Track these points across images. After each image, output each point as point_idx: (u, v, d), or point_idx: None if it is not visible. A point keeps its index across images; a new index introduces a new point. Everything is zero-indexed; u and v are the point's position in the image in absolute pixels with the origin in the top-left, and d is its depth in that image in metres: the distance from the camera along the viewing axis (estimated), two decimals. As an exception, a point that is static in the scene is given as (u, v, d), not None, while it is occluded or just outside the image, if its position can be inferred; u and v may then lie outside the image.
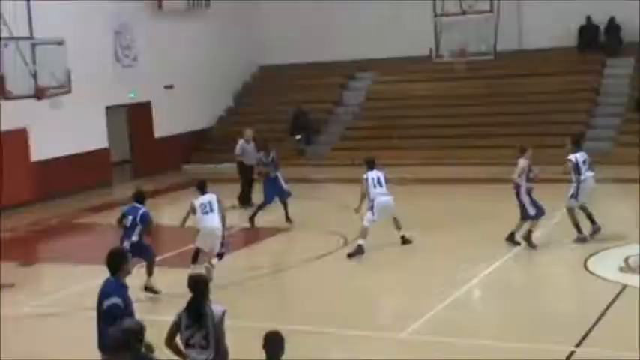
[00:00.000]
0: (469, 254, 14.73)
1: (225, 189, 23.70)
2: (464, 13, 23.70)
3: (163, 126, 26.61)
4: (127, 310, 7.88)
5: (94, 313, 8.23)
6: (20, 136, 21.86)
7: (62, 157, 22.89)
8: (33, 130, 22.00)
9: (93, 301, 12.90)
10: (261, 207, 17.89)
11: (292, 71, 29.74)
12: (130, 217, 13.06)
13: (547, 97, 25.56)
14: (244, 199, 20.11)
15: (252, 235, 17.31)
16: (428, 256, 14.96)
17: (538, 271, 13.80)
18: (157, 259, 14.94)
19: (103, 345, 7.85)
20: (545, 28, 26.89)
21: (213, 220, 13.52)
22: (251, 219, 17.77)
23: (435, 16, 23.92)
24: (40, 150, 22.33)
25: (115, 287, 7.97)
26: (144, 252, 13.03)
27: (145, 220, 12.96)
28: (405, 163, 24.48)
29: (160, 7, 26.25)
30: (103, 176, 24.49)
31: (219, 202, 13.72)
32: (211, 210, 13.54)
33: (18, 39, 17.29)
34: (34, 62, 17.26)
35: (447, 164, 24.03)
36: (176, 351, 7.66)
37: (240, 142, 20.24)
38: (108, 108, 24.83)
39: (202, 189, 13.96)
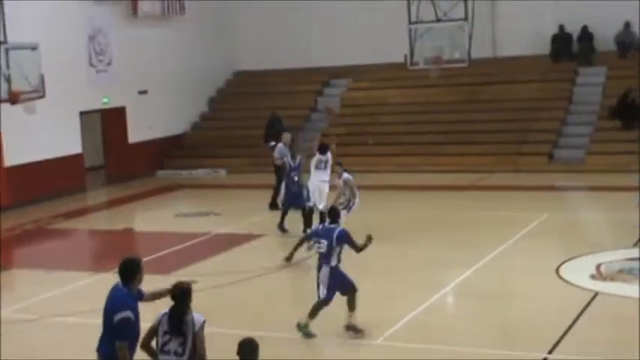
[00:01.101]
0: (443, 261, 14.82)
1: (200, 194, 23.86)
2: (438, 20, 23.84)
3: (137, 131, 26.52)
4: (137, 323, 7.79)
5: (69, 319, 8.21)
6: (-7, 141, 21.71)
7: (36, 162, 22.74)
8: (6, 134, 21.83)
9: (68, 307, 12.92)
10: (283, 213, 17.49)
11: (267, 77, 29.77)
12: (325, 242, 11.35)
13: (521, 105, 25.76)
14: (274, 203, 19.84)
15: (230, 240, 17.29)
16: (402, 262, 15.03)
17: (511, 278, 13.91)
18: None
19: (105, 354, 7.80)
20: (519, 36, 27.13)
21: None
22: (280, 226, 17.34)
23: (410, 23, 24.03)
24: (14, 155, 22.17)
25: (127, 299, 7.78)
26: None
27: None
28: (380, 169, 24.60)
29: (134, 12, 26.16)
30: (77, 181, 24.36)
31: None
32: None
33: (-9, 43, 17.21)
34: (8, 67, 17.18)
35: (421, 171, 24.15)
36: (150, 353, 7.66)
37: (280, 145, 20.14)
38: (82, 113, 24.71)
39: None
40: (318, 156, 17.10)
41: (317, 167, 17.05)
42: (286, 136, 20.27)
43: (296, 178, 17.50)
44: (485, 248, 15.19)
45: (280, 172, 19.59)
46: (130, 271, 7.82)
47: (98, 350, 7.90)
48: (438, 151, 25.07)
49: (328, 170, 17.04)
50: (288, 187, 17.60)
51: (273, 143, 26.61)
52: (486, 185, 22.33)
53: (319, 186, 16.96)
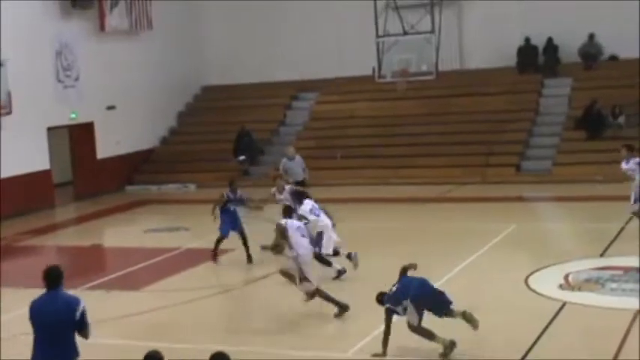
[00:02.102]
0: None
1: (169, 210, 23.78)
2: (405, 33, 24.07)
3: (106, 147, 26.41)
4: None
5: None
6: (-41, 158, 21.54)
7: (3, 179, 22.56)
8: (-27, 151, 21.69)
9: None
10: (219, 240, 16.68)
11: (235, 92, 29.80)
12: None
13: (488, 117, 25.98)
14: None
15: (198, 255, 17.25)
16: (371, 274, 15.05)
17: (480, 289, 13.99)
18: (100, 281, 14.88)
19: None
20: (485, 48, 27.41)
21: None
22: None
23: (378, 36, 24.23)
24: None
25: (71, 296, 8.00)
26: None
27: None
28: (349, 182, 24.69)
29: (102, 27, 26.09)
30: (45, 198, 24.20)
31: None
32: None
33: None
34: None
35: (389, 183, 24.28)
36: None
37: (283, 160, 20.26)
38: (49, 129, 24.57)
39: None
40: (305, 207, 14.63)
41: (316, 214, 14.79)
42: (290, 150, 20.45)
43: (233, 208, 16.36)
44: (453, 260, 15.27)
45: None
46: (60, 276, 7.97)
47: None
48: (407, 163, 25.20)
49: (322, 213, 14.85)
50: (223, 217, 16.32)
51: (242, 157, 26.76)
52: (454, 197, 22.48)
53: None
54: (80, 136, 25.99)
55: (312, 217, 14.25)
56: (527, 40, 26.85)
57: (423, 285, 10.86)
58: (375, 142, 26.42)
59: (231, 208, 16.38)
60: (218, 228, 16.18)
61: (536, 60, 27.02)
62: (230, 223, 16.31)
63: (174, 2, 29.09)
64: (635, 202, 16.00)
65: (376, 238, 18.11)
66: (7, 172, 22.70)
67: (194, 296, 14.14)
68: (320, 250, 14.18)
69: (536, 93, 26.62)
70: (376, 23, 24.25)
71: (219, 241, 16.24)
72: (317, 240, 14.04)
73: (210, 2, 30.36)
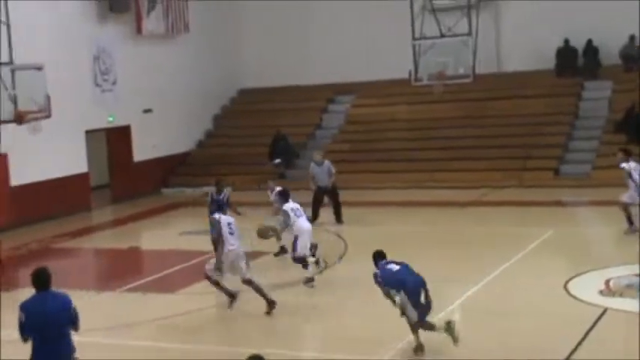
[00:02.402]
0: (448, 277, 14.72)
1: (204, 212, 23.71)
2: (442, 35, 23.87)
3: (142, 150, 26.54)
4: None
5: (73, 338, 8.19)
6: (0, 161, 21.73)
7: (42, 182, 22.77)
8: (12, 154, 21.87)
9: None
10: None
11: (272, 95, 29.81)
12: None
13: (526, 120, 25.71)
14: (314, 214, 19.87)
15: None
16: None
17: (518, 295, 13.80)
18: (136, 283, 14.92)
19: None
20: (523, 50, 27.13)
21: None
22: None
23: (414, 39, 24.07)
24: (20, 174, 22.20)
25: (62, 294, 8.41)
26: None
27: None
28: (385, 186, 24.56)
29: (139, 31, 26.24)
30: (83, 200, 24.37)
31: None
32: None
33: (-3, 64, 17.27)
34: (14, 87, 17.21)
35: (426, 187, 24.10)
36: None
37: (312, 164, 20.39)
38: (87, 132, 24.75)
39: None
40: (289, 206, 15.00)
41: (297, 216, 15.00)
42: (316, 155, 20.56)
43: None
44: (490, 264, 15.10)
45: (316, 191, 19.92)
46: (50, 277, 8.30)
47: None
48: (443, 167, 25.02)
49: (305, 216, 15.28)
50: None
51: (278, 160, 26.74)
52: (492, 201, 22.26)
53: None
54: (117, 139, 26.15)
55: (292, 216, 14.71)
56: (567, 42, 26.53)
57: (417, 277, 10.96)
58: (411, 146, 26.27)
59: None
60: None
61: (576, 62, 26.69)
62: None
63: (210, 6, 29.17)
64: None
65: (412, 241, 17.97)
66: (46, 174, 22.89)
67: (225, 300, 14.09)
68: (294, 253, 14.68)
69: (576, 96, 26.29)
70: (412, 26, 24.07)
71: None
72: (293, 244, 14.72)
73: (246, 5, 30.41)
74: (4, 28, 17.71)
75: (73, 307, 8.24)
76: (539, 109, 25.98)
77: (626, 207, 16.77)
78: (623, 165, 16.69)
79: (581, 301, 12.85)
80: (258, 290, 13.16)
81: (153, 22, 26.56)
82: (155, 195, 26.41)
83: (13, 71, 17.37)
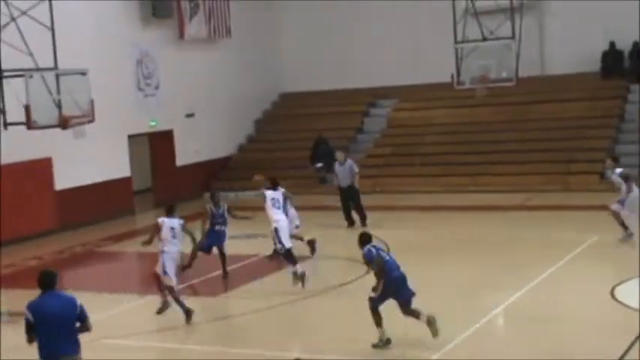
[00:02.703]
0: (491, 282, 14.61)
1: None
2: (485, 39, 23.68)
3: (185, 154, 26.68)
4: None
5: (117, 342, 8.23)
6: (45, 165, 21.99)
7: (85, 186, 22.98)
8: (57, 159, 22.12)
9: (116, 330, 12.95)
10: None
11: (313, 99, 29.81)
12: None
13: (570, 124, 25.41)
14: (348, 220, 20.28)
15: (276, 262, 17.23)
16: (449, 283, 14.82)
17: (563, 300, 13.62)
18: (182, 286, 14.96)
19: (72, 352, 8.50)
20: (568, 53, 26.80)
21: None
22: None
23: (456, 42, 23.92)
24: (64, 179, 22.43)
25: (67, 294, 8.74)
26: None
27: None
28: (427, 190, 24.42)
29: (181, 35, 26.40)
30: (126, 204, 24.54)
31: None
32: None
33: (42, 70, 17.42)
34: (58, 92, 17.37)
35: (468, 191, 23.93)
36: None
37: (336, 164, 20.77)
38: (130, 136, 24.94)
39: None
40: (269, 194, 15.84)
41: (274, 206, 15.65)
42: (339, 154, 20.74)
43: (218, 227, 16.26)
44: (534, 270, 14.92)
45: (340, 192, 20.33)
46: (55, 278, 8.59)
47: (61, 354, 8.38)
48: (486, 170, 24.81)
49: (282, 209, 15.82)
50: (209, 234, 16.31)
51: (319, 165, 26.71)
52: (535, 205, 22.02)
53: (283, 226, 15.52)
54: (160, 143, 26.32)
55: (267, 203, 15.51)
56: (612, 44, 26.16)
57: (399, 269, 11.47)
58: (453, 150, 26.09)
59: (217, 228, 16.25)
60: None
61: (622, 65, 26.30)
62: (214, 239, 16.24)
63: (252, 10, 29.26)
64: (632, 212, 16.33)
65: (454, 246, 17.86)
66: (89, 179, 23.11)
67: (272, 303, 14.11)
68: (281, 246, 15.17)
69: (621, 99, 25.91)
70: (454, 29, 23.91)
71: (194, 254, 15.62)
72: (275, 237, 15.25)
73: (288, 10, 30.46)
74: (48, 33, 17.88)
75: (79, 306, 8.53)
76: (583, 112, 25.67)
77: (616, 214, 16.80)
78: (614, 171, 16.90)
79: (629, 307, 12.64)
80: (177, 299, 13.51)
81: (195, 27, 26.71)
82: (197, 199, 26.47)
83: (57, 76, 17.50)
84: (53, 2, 18.06)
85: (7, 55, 17.33)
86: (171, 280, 13.63)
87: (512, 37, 23.18)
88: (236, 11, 28.08)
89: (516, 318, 12.84)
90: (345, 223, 20.28)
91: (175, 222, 14.10)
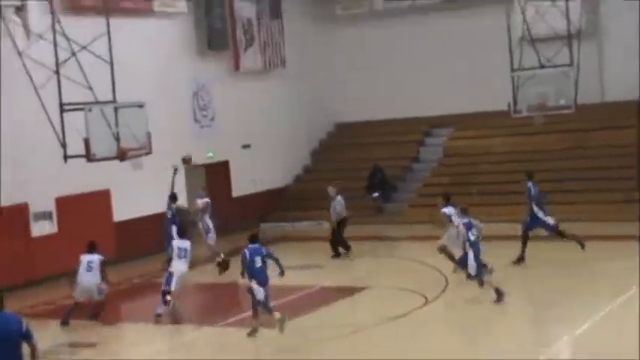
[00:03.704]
0: (555, 315, 14.30)
1: (303, 247, 23.78)
2: (542, 66, 23.44)
3: (241, 185, 26.77)
4: None
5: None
6: (103, 197, 22.22)
7: (143, 217, 23.13)
8: (115, 190, 22.34)
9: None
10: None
11: (369, 128, 29.75)
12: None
13: (630, 151, 24.93)
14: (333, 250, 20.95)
15: (333, 293, 17.14)
16: (511, 315, 14.55)
17: (631, 332, 13.25)
18: (236, 318, 14.91)
19: None
20: (627, 79, 26.30)
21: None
22: None
23: (513, 70, 23.72)
24: (122, 210, 22.62)
25: (13, 313, 9.09)
26: None
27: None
28: (485, 219, 24.01)
29: (236, 67, 26.60)
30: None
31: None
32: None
33: (101, 103, 17.66)
34: (117, 125, 17.57)
35: (528, 220, 23.52)
36: None
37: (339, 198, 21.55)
38: (187, 168, 25.06)
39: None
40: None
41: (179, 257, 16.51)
42: (330, 189, 21.60)
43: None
44: (600, 301, 14.57)
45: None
46: (3, 299, 8.91)
47: None
48: (547, 199, 24.38)
49: None
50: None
51: (375, 194, 26.60)
52: (597, 235, 21.54)
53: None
54: (216, 174, 26.44)
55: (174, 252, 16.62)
56: (673, 69, 25.68)
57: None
58: (511, 178, 25.69)
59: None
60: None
61: (683, 90, 25.78)
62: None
63: (306, 41, 29.40)
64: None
65: (516, 275, 17.56)
66: (147, 210, 23.24)
67: (329, 335, 13.98)
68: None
69: (683, 125, 25.38)
70: (511, 57, 23.73)
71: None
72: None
73: (342, 39, 30.54)
74: (107, 67, 18.15)
75: (26, 324, 8.89)
76: (644, 139, 25.17)
77: (444, 249, 17.03)
78: (444, 210, 17.18)
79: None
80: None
81: (250, 58, 26.90)
82: (253, 230, 26.51)
83: (116, 109, 17.73)
84: (112, 37, 18.33)
85: (67, 89, 17.63)
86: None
87: (571, 64, 22.92)
88: (290, 42, 28.23)
89: (584, 350, 12.50)
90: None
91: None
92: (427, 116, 29.12)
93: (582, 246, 18.68)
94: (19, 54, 18.39)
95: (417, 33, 29.24)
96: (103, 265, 16.38)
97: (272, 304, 16.37)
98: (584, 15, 25.01)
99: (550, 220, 18.88)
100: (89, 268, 16.24)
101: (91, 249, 16.65)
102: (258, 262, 14.02)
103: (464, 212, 16.36)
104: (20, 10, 19.48)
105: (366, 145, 29.00)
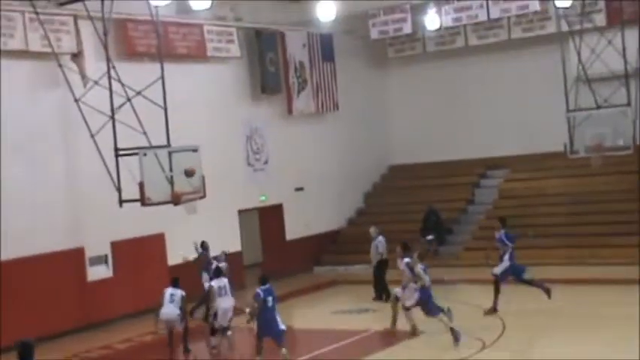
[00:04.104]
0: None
1: (357, 290, 23.57)
2: (599, 107, 23.12)
3: (294, 228, 26.71)
4: None
5: None
6: (158, 241, 22.32)
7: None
8: (169, 234, 22.43)
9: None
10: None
11: (422, 170, 29.57)
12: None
13: (692, 192, 24.33)
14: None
15: (387, 337, 16.88)
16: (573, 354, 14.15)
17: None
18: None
19: None
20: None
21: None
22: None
23: (568, 111, 23.43)
24: (176, 254, 22.67)
25: None
26: None
27: None
28: (543, 262, 23.66)
29: (289, 111, 26.69)
30: (237, 279, 24.49)
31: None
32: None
33: (156, 147, 17.79)
34: (171, 169, 17.67)
35: (587, 264, 23.07)
36: None
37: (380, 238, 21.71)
38: (240, 211, 25.14)
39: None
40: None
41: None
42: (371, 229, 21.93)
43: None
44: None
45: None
46: (32, 350, 8.47)
47: None
48: (605, 242, 23.92)
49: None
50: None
51: (430, 237, 26.30)
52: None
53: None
54: (270, 217, 26.44)
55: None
56: None
57: None
58: (568, 221, 25.32)
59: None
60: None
61: None
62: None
63: (359, 83, 29.44)
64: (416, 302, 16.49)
65: (574, 322, 17.13)
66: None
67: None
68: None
69: None
70: (566, 97, 23.47)
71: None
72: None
73: (395, 81, 30.54)
74: (161, 111, 18.31)
75: None
76: None
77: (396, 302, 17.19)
78: (406, 260, 17.04)
79: None
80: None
81: (303, 102, 26.99)
82: (307, 273, 26.42)
83: (170, 153, 17.83)
84: (166, 82, 18.53)
85: (122, 134, 17.81)
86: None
87: (628, 104, 22.56)
88: (343, 85, 28.27)
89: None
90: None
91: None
92: (482, 158, 28.86)
93: (548, 294, 18.31)
94: (76, 100, 18.66)
95: (471, 74, 29.11)
96: (184, 300, 17.43)
97: (326, 348, 16.26)
98: (642, 54, 24.60)
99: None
100: (171, 300, 17.29)
101: (175, 284, 17.70)
102: (270, 302, 15.09)
103: (421, 258, 16.95)
104: (76, 56, 19.80)
105: (420, 188, 28.79)
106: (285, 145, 26.49)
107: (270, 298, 15.09)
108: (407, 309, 16.65)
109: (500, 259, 18.62)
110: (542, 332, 16.25)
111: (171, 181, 17.65)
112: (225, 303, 17.31)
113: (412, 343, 16.50)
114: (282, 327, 15.06)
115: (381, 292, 21.01)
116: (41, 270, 19.50)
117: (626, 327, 16.14)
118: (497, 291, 18.32)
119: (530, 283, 18.66)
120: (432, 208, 26.72)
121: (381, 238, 21.49)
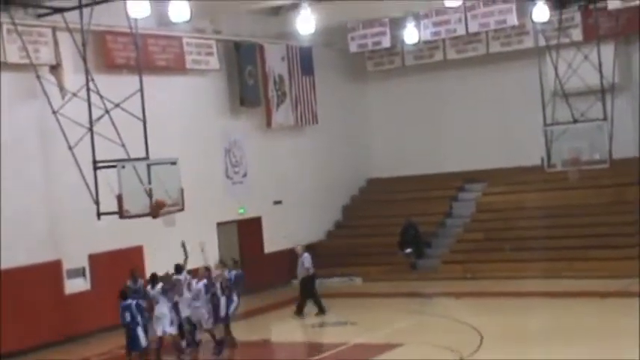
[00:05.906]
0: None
1: (335, 303, 23.57)
2: (575, 121, 23.32)
3: (273, 241, 26.68)
4: None
5: None
6: (136, 253, 22.20)
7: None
8: (147, 246, 22.33)
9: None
10: None
11: (401, 184, 29.64)
12: None
13: (668, 206, 24.58)
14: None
15: (366, 350, 16.88)
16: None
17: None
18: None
19: None
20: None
21: None
22: None
23: (545, 125, 23.60)
24: (155, 266, 22.54)
25: None
26: None
27: None
28: (519, 275, 23.82)
29: (268, 124, 26.68)
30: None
31: None
32: None
33: (134, 160, 17.75)
34: (149, 182, 17.63)
35: (562, 277, 23.22)
36: None
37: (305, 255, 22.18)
38: (219, 224, 25.08)
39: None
40: None
41: None
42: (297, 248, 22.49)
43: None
44: (640, 360, 14.22)
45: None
46: None
47: None
48: (581, 255, 24.07)
49: None
50: None
51: (408, 250, 26.39)
52: (636, 292, 21.16)
53: None
54: (248, 230, 26.37)
55: None
56: None
57: None
58: (545, 234, 25.44)
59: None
60: None
61: None
62: None
63: (338, 96, 29.50)
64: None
65: (550, 335, 17.22)
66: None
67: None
68: None
69: None
70: (544, 111, 23.66)
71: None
72: None
73: (374, 95, 30.64)
74: (140, 124, 18.28)
75: None
76: (682, 193, 24.80)
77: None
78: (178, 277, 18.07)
79: None
80: None
81: (282, 115, 26.99)
82: (285, 286, 26.38)
83: (148, 166, 17.80)
84: (145, 94, 18.50)
85: (100, 146, 17.77)
86: None
87: (604, 119, 22.78)
88: (322, 98, 28.32)
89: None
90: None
91: None
92: (460, 171, 28.97)
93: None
94: (54, 112, 18.60)
95: (449, 88, 29.27)
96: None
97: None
98: (617, 69, 24.85)
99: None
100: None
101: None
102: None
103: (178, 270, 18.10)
104: (55, 68, 19.73)
105: (398, 201, 28.87)
106: (264, 158, 26.48)
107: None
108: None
109: None
110: (519, 345, 16.31)
111: (149, 194, 17.62)
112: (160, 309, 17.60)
113: (391, 356, 16.51)
114: None
115: (319, 304, 21.47)
116: (18, 283, 19.32)
117: (603, 340, 16.26)
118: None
119: None
120: (410, 222, 26.78)
121: (306, 254, 21.99)
